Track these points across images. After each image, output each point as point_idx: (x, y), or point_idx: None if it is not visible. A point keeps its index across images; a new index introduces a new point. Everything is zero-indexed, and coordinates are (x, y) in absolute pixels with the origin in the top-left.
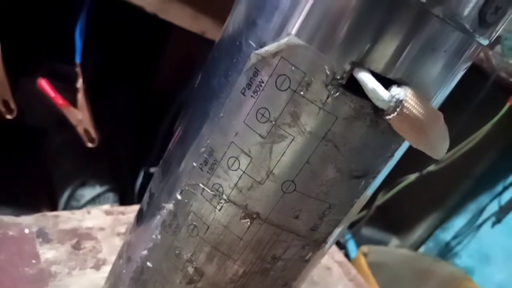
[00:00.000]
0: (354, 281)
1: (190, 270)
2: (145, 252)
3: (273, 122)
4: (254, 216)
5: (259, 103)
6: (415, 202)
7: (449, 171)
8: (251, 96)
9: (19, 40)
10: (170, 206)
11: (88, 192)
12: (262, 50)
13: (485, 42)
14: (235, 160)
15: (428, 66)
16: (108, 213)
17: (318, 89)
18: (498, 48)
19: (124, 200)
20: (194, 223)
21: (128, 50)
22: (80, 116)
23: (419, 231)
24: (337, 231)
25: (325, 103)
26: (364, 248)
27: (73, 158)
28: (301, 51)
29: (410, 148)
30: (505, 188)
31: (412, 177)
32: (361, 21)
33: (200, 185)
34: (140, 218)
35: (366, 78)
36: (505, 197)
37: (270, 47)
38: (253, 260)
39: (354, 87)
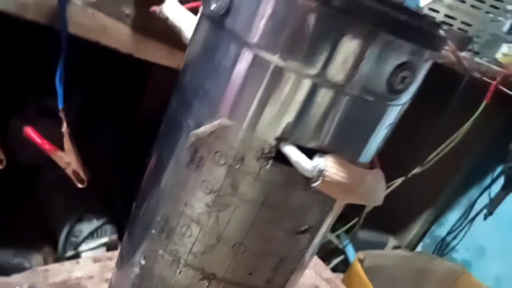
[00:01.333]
0: None
1: None
2: None
3: (216, 193)
4: (211, 277)
5: (202, 176)
6: (408, 201)
7: (437, 169)
8: (195, 170)
9: (4, 82)
10: (136, 270)
11: (86, 227)
12: (199, 131)
13: (401, 102)
14: (187, 228)
15: (348, 135)
16: (96, 260)
17: (251, 163)
18: (468, 50)
19: (122, 231)
20: (159, 285)
21: (111, 86)
22: (67, 159)
23: (415, 229)
24: (295, 277)
25: (259, 174)
26: (360, 254)
27: (68, 195)
28: (233, 131)
29: (393, 153)
30: (493, 181)
31: (398, 181)
32: (283, 102)
33: (160, 251)
34: (117, 270)
35: (290, 152)
36: (494, 190)
37: (205, 128)
38: None
39: (284, 158)
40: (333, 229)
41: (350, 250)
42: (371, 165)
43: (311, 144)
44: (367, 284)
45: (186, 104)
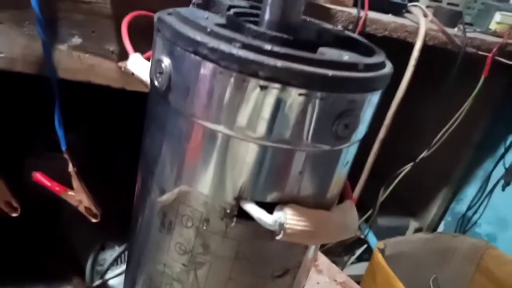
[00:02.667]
0: None
1: None
2: None
3: (190, 253)
4: None
5: (174, 238)
6: (423, 182)
7: (447, 148)
8: (167, 233)
9: (13, 125)
10: None
11: (109, 255)
12: (163, 198)
13: (354, 141)
14: (170, 286)
15: (306, 184)
16: None
17: (216, 223)
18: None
19: None
20: None
21: (116, 116)
22: (78, 197)
23: (434, 209)
24: None
25: (226, 232)
26: (380, 244)
27: (88, 225)
28: (194, 195)
29: (399, 140)
30: (506, 150)
31: (407, 167)
32: (235, 165)
33: None
34: None
35: (250, 209)
36: (508, 159)
37: (168, 196)
38: None
39: (248, 214)
40: None
41: (372, 239)
42: (341, 197)
43: (270, 199)
44: (389, 273)
45: (149, 171)
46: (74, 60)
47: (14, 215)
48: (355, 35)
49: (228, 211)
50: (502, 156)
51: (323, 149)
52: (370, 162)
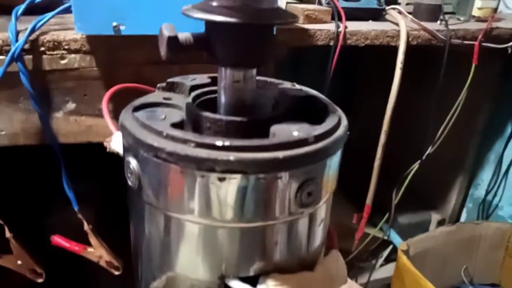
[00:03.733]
0: None
1: None
2: None
3: None
4: None
5: None
6: (437, 174)
7: (453, 138)
8: None
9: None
10: None
11: None
12: (154, 284)
13: (323, 200)
14: None
15: (284, 251)
16: None
17: None
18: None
19: None
20: None
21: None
22: (98, 253)
23: (453, 198)
24: None
25: None
26: (403, 245)
27: (111, 276)
28: (181, 280)
29: (403, 141)
30: None
31: (416, 165)
32: (213, 250)
33: None
34: None
35: (235, 286)
36: None
37: (158, 282)
38: None
39: None
40: (374, 223)
41: (395, 239)
42: (328, 244)
43: (252, 272)
44: (416, 274)
45: (138, 259)
46: (72, 124)
47: (40, 280)
48: (312, 91)
49: None
50: (511, 136)
51: (292, 218)
52: (377, 168)
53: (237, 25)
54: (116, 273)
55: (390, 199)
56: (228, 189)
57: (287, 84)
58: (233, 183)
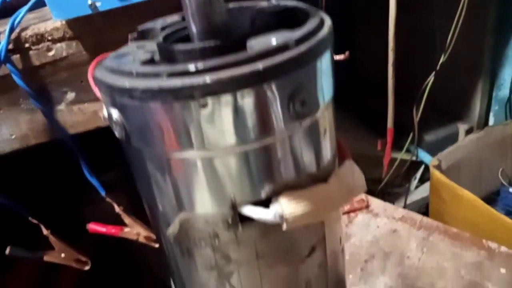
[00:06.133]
0: (424, 227)
1: None
2: None
3: (216, 268)
4: None
5: (198, 260)
6: (456, 83)
7: (467, 42)
8: (189, 259)
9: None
10: None
11: None
12: (170, 230)
13: (324, 106)
14: None
15: (289, 170)
16: None
17: (225, 234)
18: None
19: None
20: None
21: None
22: (135, 231)
23: (477, 104)
24: (334, 282)
25: (238, 239)
26: (434, 161)
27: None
28: (195, 219)
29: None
30: None
31: (431, 77)
32: (218, 181)
33: None
34: None
35: (249, 212)
36: None
37: (173, 227)
38: None
39: None
40: (401, 147)
41: (425, 157)
42: (340, 157)
43: (264, 195)
44: (452, 186)
45: (150, 211)
46: (77, 114)
47: (87, 268)
48: (290, 3)
49: (230, 221)
50: None
51: (291, 132)
52: (391, 88)
53: None
54: (156, 245)
55: (412, 118)
56: (214, 114)
57: (263, 3)
58: (217, 106)
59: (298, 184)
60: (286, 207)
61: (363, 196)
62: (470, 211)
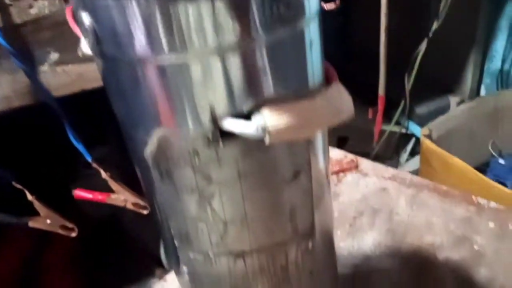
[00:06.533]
0: (413, 185)
1: None
2: None
3: (197, 190)
4: (242, 254)
5: (178, 183)
6: (449, 53)
7: (460, 12)
8: (169, 181)
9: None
10: (186, 277)
11: None
12: (148, 149)
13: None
14: (196, 227)
15: (273, 81)
16: None
17: (205, 153)
18: None
19: None
20: (209, 282)
21: None
22: (122, 197)
23: (469, 76)
24: (321, 214)
25: (219, 158)
26: (425, 130)
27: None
28: (173, 135)
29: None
30: None
31: (423, 45)
32: (195, 91)
33: (191, 255)
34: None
35: (229, 126)
36: None
37: (151, 145)
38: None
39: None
40: (390, 120)
41: (416, 129)
42: (327, 81)
43: (246, 108)
44: (442, 154)
45: (127, 132)
46: (61, 76)
47: (73, 235)
48: None
49: (210, 136)
50: None
51: (275, 37)
52: (384, 54)
53: None
54: (145, 212)
55: (404, 90)
56: (189, 11)
57: None
58: (194, 2)
59: (282, 99)
60: (268, 119)
61: (352, 157)
62: (460, 179)
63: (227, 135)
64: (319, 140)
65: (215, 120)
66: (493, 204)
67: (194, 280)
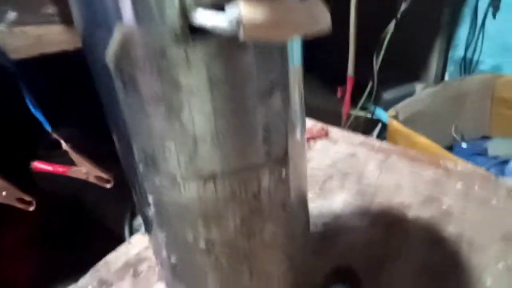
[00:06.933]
0: (382, 151)
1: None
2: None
3: (163, 100)
4: (212, 177)
5: (141, 91)
6: (412, 42)
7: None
8: (133, 91)
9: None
10: (152, 209)
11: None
12: (110, 50)
13: None
14: (163, 147)
15: None
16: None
17: (174, 51)
18: None
19: None
20: (175, 212)
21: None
22: (84, 170)
23: (433, 64)
24: (295, 142)
25: (189, 60)
26: (391, 112)
27: (116, 201)
28: (138, 32)
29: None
30: None
31: (391, 26)
32: None
33: (157, 181)
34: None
35: (201, 20)
36: None
37: (113, 43)
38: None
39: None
40: (355, 104)
41: (382, 115)
42: None
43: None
44: (408, 133)
45: (86, 36)
46: (19, 37)
47: (31, 209)
48: None
49: (179, 32)
50: None
51: None
52: (353, 33)
53: None
54: (108, 186)
55: (370, 70)
56: None
57: None
58: None
59: None
60: (244, 10)
61: (323, 125)
62: None
63: (197, 32)
64: (294, 57)
65: (184, 12)
66: (460, 167)
67: (161, 212)
